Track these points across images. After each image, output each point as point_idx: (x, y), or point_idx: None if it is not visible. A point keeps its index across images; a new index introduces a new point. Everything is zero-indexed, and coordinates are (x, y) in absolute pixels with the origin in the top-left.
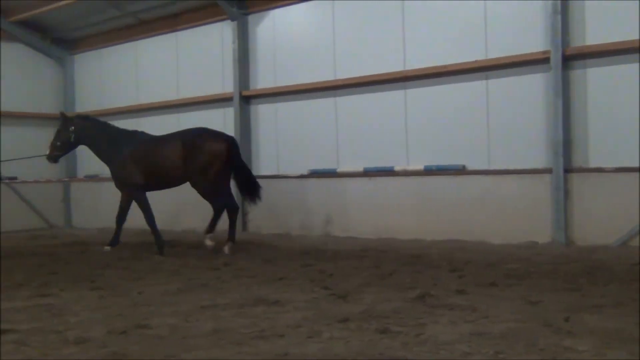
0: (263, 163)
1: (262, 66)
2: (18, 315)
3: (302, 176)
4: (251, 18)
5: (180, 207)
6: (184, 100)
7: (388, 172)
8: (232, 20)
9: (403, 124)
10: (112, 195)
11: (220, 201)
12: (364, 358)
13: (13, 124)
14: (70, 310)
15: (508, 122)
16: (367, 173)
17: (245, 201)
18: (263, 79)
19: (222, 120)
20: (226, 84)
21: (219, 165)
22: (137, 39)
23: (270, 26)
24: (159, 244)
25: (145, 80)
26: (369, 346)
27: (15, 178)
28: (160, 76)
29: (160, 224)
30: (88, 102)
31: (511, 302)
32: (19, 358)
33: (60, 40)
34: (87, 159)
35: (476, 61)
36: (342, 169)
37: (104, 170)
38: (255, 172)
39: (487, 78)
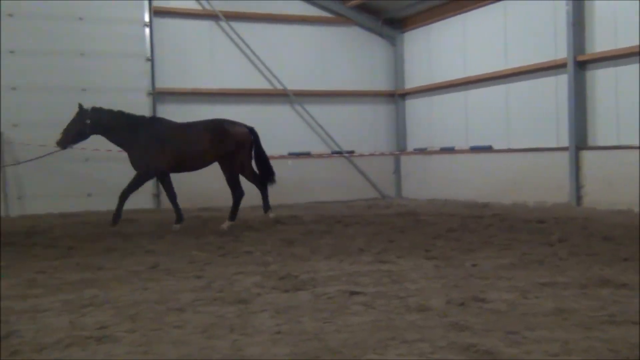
0: (600, 133)
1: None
2: (363, 278)
3: None
4: None
5: (510, 181)
6: (512, 70)
7: None
8: None
9: None
10: (441, 167)
11: (239, 190)
12: None
13: (351, 101)
14: (408, 278)
15: None
16: None
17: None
18: (601, 42)
19: (554, 89)
20: (559, 50)
21: (245, 153)
22: (465, 12)
23: None
24: (178, 215)
25: (472, 52)
26: None
27: (352, 152)
28: (488, 47)
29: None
30: (417, 78)
31: None
32: (367, 319)
33: (391, 20)
34: (416, 133)
35: None
36: None
37: (433, 143)
38: (591, 143)
39: None
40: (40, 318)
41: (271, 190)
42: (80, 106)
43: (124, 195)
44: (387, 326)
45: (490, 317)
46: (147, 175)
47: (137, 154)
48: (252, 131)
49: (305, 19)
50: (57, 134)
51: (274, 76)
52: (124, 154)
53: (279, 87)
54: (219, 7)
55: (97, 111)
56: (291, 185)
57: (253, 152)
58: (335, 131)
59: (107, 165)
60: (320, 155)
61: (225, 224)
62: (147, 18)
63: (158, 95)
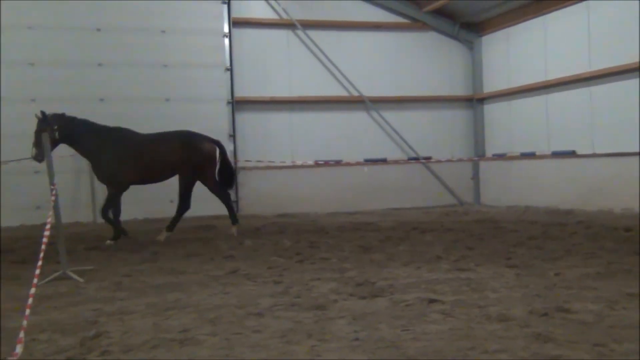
0: None
1: None
2: (441, 286)
3: None
4: None
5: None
6: (596, 72)
7: None
8: None
9: None
10: (521, 172)
11: (188, 204)
12: None
13: (427, 107)
14: (488, 286)
15: None
16: None
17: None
18: None
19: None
20: None
21: (212, 166)
22: (546, 13)
23: None
24: (116, 232)
25: (553, 55)
26: None
27: (429, 158)
28: (570, 49)
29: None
30: (496, 82)
31: None
32: (445, 327)
33: (468, 24)
34: (495, 138)
35: None
36: None
37: (513, 148)
38: None
39: None
40: (127, 320)
41: (349, 196)
42: (43, 113)
43: (105, 214)
44: (466, 335)
45: (575, 329)
46: (120, 188)
47: (105, 165)
48: (218, 144)
49: (381, 25)
50: None
51: (351, 83)
52: None
53: (355, 94)
54: (296, 16)
55: (60, 118)
56: (367, 192)
57: (218, 165)
58: (411, 137)
59: None
60: (396, 162)
61: (162, 235)
62: (226, 29)
63: (237, 104)
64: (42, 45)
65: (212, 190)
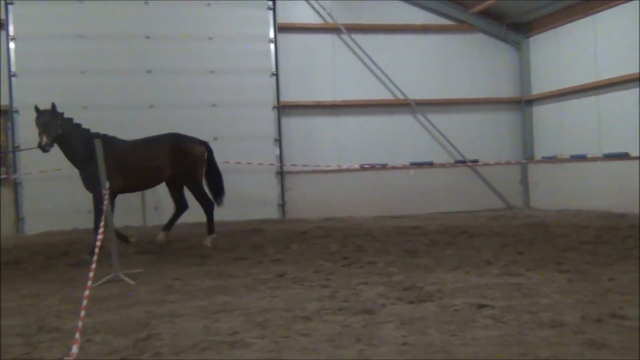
0: None
1: None
2: (491, 291)
3: None
4: None
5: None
6: None
7: None
8: None
9: None
10: (572, 175)
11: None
12: None
13: (474, 109)
14: (539, 292)
15: None
16: None
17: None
18: None
19: None
20: None
21: (202, 169)
22: (596, 13)
23: None
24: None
25: (604, 55)
26: None
27: (476, 161)
28: (621, 49)
29: None
30: (544, 83)
31: None
32: (496, 333)
33: (515, 25)
34: (544, 140)
35: None
36: None
37: (563, 150)
38: None
39: None
40: (178, 322)
41: (395, 200)
42: (53, 105)
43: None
44: (517, 341)
45: (630, 335)
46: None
47: (89, 174)
48: (206, 146)
49: (427, 28)
50: None
51: (396, 86)
52: (252, 167)
53: (400, 97)
54: (340, 20)
55: (61, 116)
56: (413, 196)
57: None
58: (458, 140)
59: (236, 177)
60: (443, 165)
61: (161, 236)
62: (272, 34)
63: (283, 109)
64: (93, 53)
65: (195, 192)
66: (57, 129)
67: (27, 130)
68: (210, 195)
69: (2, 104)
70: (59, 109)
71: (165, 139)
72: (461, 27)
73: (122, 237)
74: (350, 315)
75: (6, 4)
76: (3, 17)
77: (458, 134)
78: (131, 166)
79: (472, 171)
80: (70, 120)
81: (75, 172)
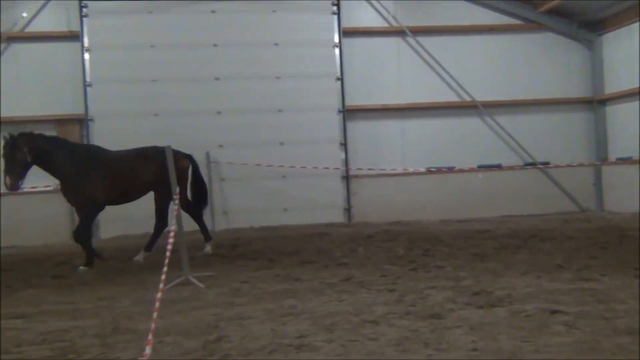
0: None
1: None
2: (564, 296)
3: None
4: None
5: None
6: None
7: None
8: None
9: None
10: None
11: (165, 221)
12: None
13: (544, 110)
14: (615, 297)
15: None
16: None
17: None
18: None
19: None
20: None
21: (185, 182)
22: None
23: None
24: (89, 257)
25: None
26: None
27: (547, 163)
28: None
29: None
30: (619, 82)
31: None
32: (569, 340)
33: (586, 23)
34: (618, 141)
35: None
36: None
37: (638, 152)
38: None
39: None
40: (246, 325)
41: (462, 203)
42: (12, 135)
43: (82, 238)
44: (592, 348)
45: None
46: (94, 209)
47: (76, 185)
48: (191, 159)
49: (493, 28)
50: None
51: (462, 88)
52: (318, 172)
53: (467, 99)
54: (405, 22)
55: (30, 137)
56: (481, 199)
57: (190, 181)
58: (527, 142)
59: (302, 181)
60: (511, 167)
61: (140, 255)
62: (336, 39)
63: (348, 113)
64: (163, 62)
65: (183, 206)
66: (24, 157)
67: (101, 138)
68: (193, 206)
69: (78, 112)
70: (133, 116)
71: (151, 150)
72: (529, 26)
73: (93, 251)
74: (417, 320)
75: (81, 17)
76: (78, 29)
77: (527, 135)
78: (117, 178)
79: (542, 173)
80: (40, 138)
81: None
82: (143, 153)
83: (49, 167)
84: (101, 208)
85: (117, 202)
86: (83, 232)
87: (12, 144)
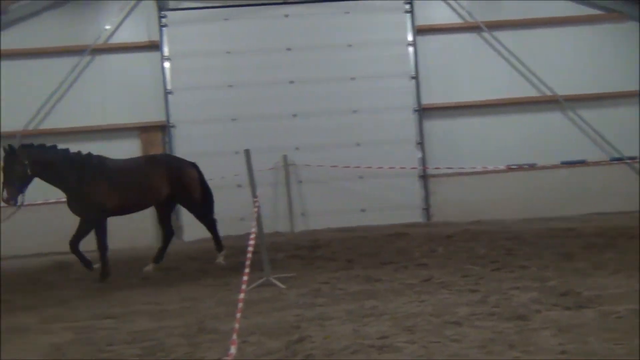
0: None
1: None
2: None
3: None
4: None
5: None
6: None
7: None
8: None
9: None
10: None
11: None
12: None
13: (630, 103)
14: None
15: None
16: None
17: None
18: None
19: None
20: None
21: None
22: None
23: None
24: (104, 270)
25: None
26: None
27: (636, 158)
28: None
29: None
30: None
31: None
32: None
33: None
34: None
35: None
36: None
37: None
38: None
39: None
40: (327, 325)
41: (545, 201)
42: (11, 146)
43: (74, 246)
44: None
45: None
46: (96, 221)
47: (81, 196)
48: (196, 167)
49: (572, 19)
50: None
51: (542, 82)
52: (395, 172)
53: (547, 93)
54: (480, 18)
55: (30, 150)
56: (565, 196)
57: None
58: (613, 136)
59: (379, 181)
60: (597, 163)
61: (150, 267)
62: (410, 37)
63: (424, 112)
64: (239, 67)
65: (198, 215)
66: (24, 170)
67: (182, 144)
68: (204, 214)
69: (160, 120)
70: (212, 121)
71: (160, 158)
72: (610, 16)
73: (85, 261)
74: (502, 321)
75: (160, 27)
76: (158, 39)
77: (613, 129)
78: (126, 187)
79: (630, 169)
80: (42, 148)
81: (232, 181)
82: (152, 162)
83: (52, 179)
84: (103, 220)
85: (123, 211)
86: (77, 242)
87: (10, 155)
